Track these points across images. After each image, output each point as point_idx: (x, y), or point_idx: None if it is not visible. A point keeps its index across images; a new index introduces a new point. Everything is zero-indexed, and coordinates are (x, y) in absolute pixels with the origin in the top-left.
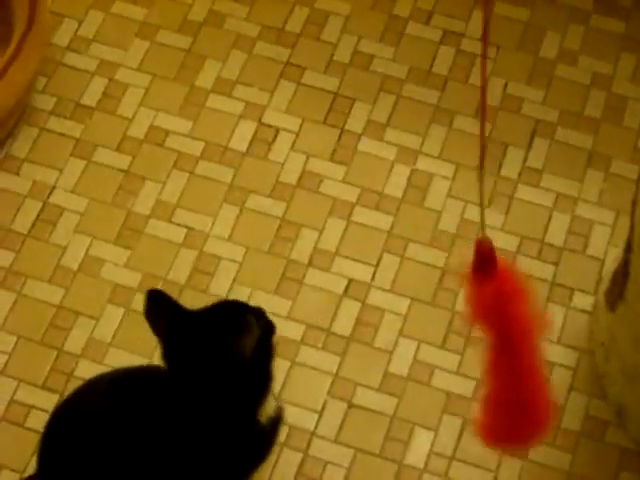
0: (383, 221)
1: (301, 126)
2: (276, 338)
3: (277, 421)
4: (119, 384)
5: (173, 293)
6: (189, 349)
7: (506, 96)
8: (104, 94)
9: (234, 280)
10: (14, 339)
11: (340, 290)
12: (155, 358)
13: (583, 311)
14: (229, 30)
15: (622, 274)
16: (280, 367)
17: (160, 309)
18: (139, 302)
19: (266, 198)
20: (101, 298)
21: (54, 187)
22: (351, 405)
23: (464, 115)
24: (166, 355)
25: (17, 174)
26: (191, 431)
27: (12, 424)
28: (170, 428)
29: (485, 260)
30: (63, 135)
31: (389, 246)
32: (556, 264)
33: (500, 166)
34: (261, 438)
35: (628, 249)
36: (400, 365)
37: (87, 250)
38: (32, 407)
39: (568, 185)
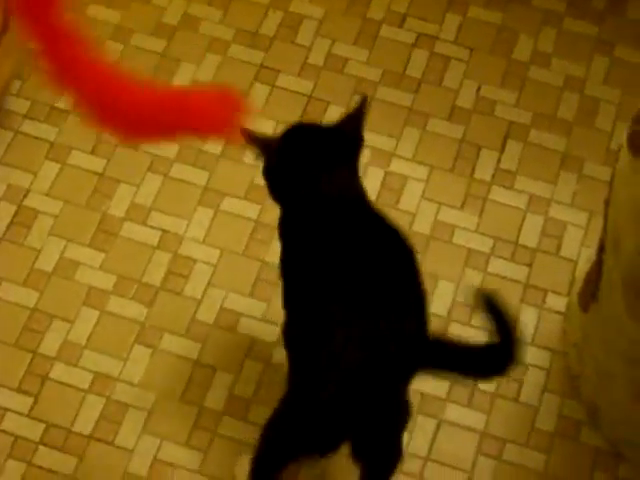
0: None
1: (275, 128)
2: None
3: None
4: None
5: (148, 295)
6: None
7: (479, 98)
8: None
9: (209, 283)
10: None
11: None
12: (129, 361)
13: (556, 312)
14: (203, 33)
15: (595, 275)
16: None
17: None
18: (114, 304)
19: (241, 200)
20: (76, 301)
21: (28, 190)
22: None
23: (438, 118)
24: None
25: None
26: None
27: None
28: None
29: None
30: (37, 138)
31: None
32: (529, 265)
33: (473, 168)
34: None
35: (601, 250)
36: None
37: (62, 253)
38: (7, 410)
39: (541, 187)
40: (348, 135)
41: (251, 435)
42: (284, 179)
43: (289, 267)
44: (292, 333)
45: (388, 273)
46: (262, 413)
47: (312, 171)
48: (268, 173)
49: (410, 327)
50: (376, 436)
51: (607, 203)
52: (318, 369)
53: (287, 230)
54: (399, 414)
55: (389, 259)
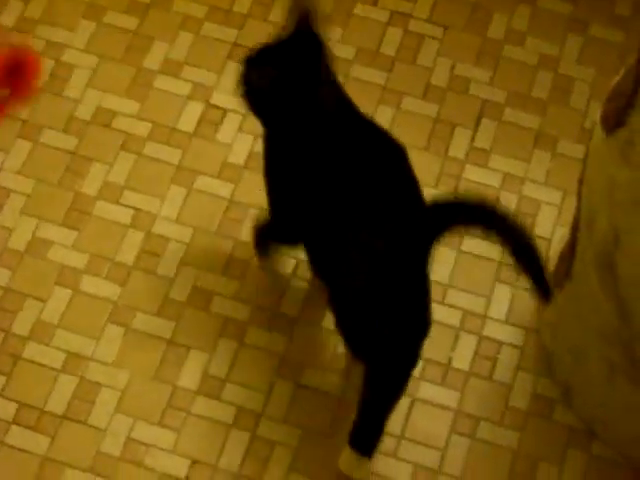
0: None
1: None
2: None
3: None
4: None
5: (121, 275)
6: None
7: (453, 77)
8: (51, 75)
9: (181, 261)
10: None
11: (288, 270)
12: (103, 340)
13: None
14: (176, 11)
15: (569, 254)
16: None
17: None
18: (87, 283)
19: (214, 179)
20: (48, 280)
21: (0, 169)
22: (299, 385)
23: (412, 96)
24: None
25: None
26: None
27: None
28: None
29: None
30: (9, 117)
31: None
32: None
33: (448, 146)
34: None
35: (575, 229)
36: None
37: (34, 232)
38: None
39: (515, 165)
40: (311, 38)
41: (225, 414)
42: (274, 99)
43: (290, 185)
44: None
45: (390, 170)
46: (236, 392)
47: (304, 84)
48: (254, 97)
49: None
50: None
51: (581, 182)
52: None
53: (281, 148)
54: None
55: (388, 159)
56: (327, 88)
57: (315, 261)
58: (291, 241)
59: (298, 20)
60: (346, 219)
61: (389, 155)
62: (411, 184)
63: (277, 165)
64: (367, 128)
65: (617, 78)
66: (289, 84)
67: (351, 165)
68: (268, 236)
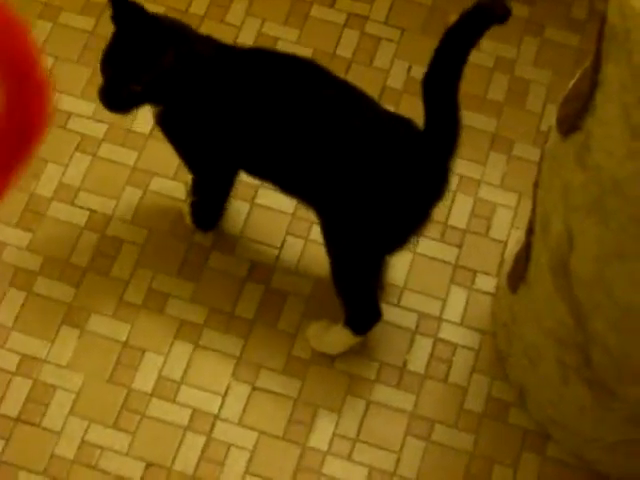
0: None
1: None
2: None
3: None
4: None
5: (75, 277)
6: None
7: (410, 79)
8: None
9: (137, 262)
10: None
11: (243, 273)
12: (57, 343)
13: (486, 293)
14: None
15: (524, 256)
16: (185, 350)
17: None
18: (41, 285)
19: (169, 181)
20: (2, 282)
21: None
22: (255, 388)
23: None
24: None
25: None
26: None
27: None
28: None
29: None
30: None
31: (293, 228)
32: (459, 246)
33: None
34: None
35: (530, 232)
36: (304, 347)
37: None
38: None
39: (471, 168)
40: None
41: (180, 417)
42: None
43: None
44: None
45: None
46: (192, 395)
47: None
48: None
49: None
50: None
51: (536, 185)
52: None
53: (190, 111)
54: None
55: (304, 70)
56: (189, 40)
57: (293, 187)
58: (223, 196)
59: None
60: (294, 134)
61: (300, 67)
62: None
63: (195, 125)
64: (265, 54)
65: (573, 81)
66: (177, 56)
67: (280, 82)
68: (204, 204)
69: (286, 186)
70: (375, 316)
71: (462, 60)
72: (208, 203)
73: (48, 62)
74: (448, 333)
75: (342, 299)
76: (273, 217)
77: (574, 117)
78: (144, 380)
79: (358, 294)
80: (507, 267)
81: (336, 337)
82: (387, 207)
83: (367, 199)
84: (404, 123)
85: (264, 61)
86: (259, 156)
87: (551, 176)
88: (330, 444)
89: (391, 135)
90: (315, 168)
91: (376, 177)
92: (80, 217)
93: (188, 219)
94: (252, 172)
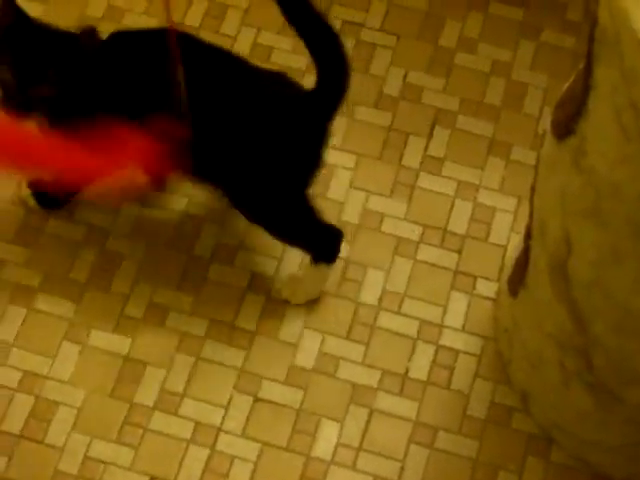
0: None
1: None
2: None
3: None
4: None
5: (75, 292)
6: None
7: (406, 85)
8: None
9: (137, 276)
10: None
11: (244, 284)
12: (58, 358)
13: (487, 298)
14: (129, 26)
15: (523, 261)
16: (186, 363)
17: None
18: (41, 301)
19: (168, 194)
20: (2, 299)
21: None
22: (257, 399)
23: (365, 105)
24: None
25: None
26: None
27: None
28: None
29: None
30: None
31: None
32: (459, 252)
33: (401, 155)
34: None
35: (528, 236)
36: (306, 357)
37: None
38: None
39: (470, 173)
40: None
41: (183, 430)
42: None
43: None
44: None
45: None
46: (194, 407)
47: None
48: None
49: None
50: None
51: (533, 189)
52: None
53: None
54: None
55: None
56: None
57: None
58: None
59: None
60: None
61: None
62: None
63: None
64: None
65: (567, 84)
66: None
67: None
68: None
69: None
70: (336, 235)
71: None
72: None
73: None
74: (450, 339)
75: (297, 245)
76: None
77: (568, 121)
78: (146, 394)
79: (306, 231)
80: (507, 272)
81: (313, 278)
82: (282, 157)
83: (260, 155)
84: (279, 77)
85: (128, 42)
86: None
87: (547, 180)
88: (334, 454)
89: (269, 91)
90: (203, 138)
91: (260, 133)
92: (79, 232)
93: (31, 201)
94: None
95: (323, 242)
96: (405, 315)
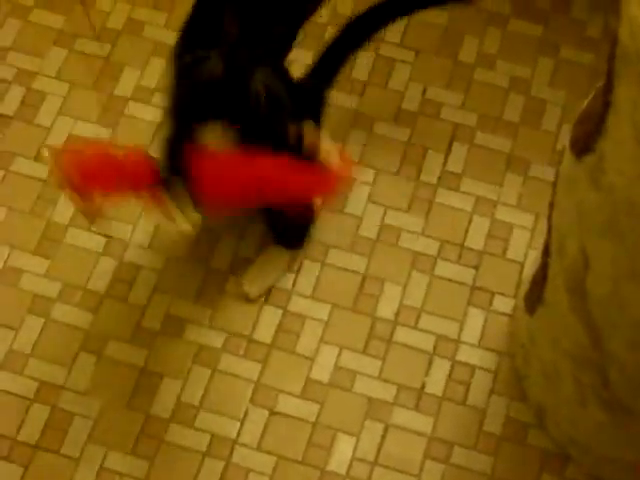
0: None
1: None
2: None
3: None
4: None
5: (92, 303)
6: None
7: (425, 101)
8: (22, 103)
9: (154, 288)
10: None
11: (261, 297)
12: (75, 369)
13: (503, 314)
14: (147, 37)
15: (541, 277)
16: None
17: None
18: (58, 311)
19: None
20: (20, 308)
21: None
22: (273, 412)
23: (383, 120)
24: None
25: None
26: None
27: None
28: None
29: None
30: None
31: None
32: (476, 268)
33: (420, 170)
34: None
35: (546, 252)
36: (322, 371)
37: (5, 261)
38: None
39: (487, 189)
40: None
41: (199, 442)
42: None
43: None
44: None
45: None
46: (210, 420)
47: None
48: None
49: None
50: None
51: (551, 206)
52: None
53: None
54: None
55: None
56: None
57: None
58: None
59: None
60: None
61: None
62: None
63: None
64: None
65: (586, 101)
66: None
67: None
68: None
69: None
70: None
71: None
72: None
73: (64, 88)
74: (466, 355)
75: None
76: None
77: (587, 138)
78: (162, 405)
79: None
80: (524, 288)
81: (271, 262)
82: None
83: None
84: None
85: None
86: None
87: (566, 197)
88: (349, 468)
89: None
90: None
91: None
92: (97, 243)
93: None
94: None
95: (292, 227)
96: (422, 330)
